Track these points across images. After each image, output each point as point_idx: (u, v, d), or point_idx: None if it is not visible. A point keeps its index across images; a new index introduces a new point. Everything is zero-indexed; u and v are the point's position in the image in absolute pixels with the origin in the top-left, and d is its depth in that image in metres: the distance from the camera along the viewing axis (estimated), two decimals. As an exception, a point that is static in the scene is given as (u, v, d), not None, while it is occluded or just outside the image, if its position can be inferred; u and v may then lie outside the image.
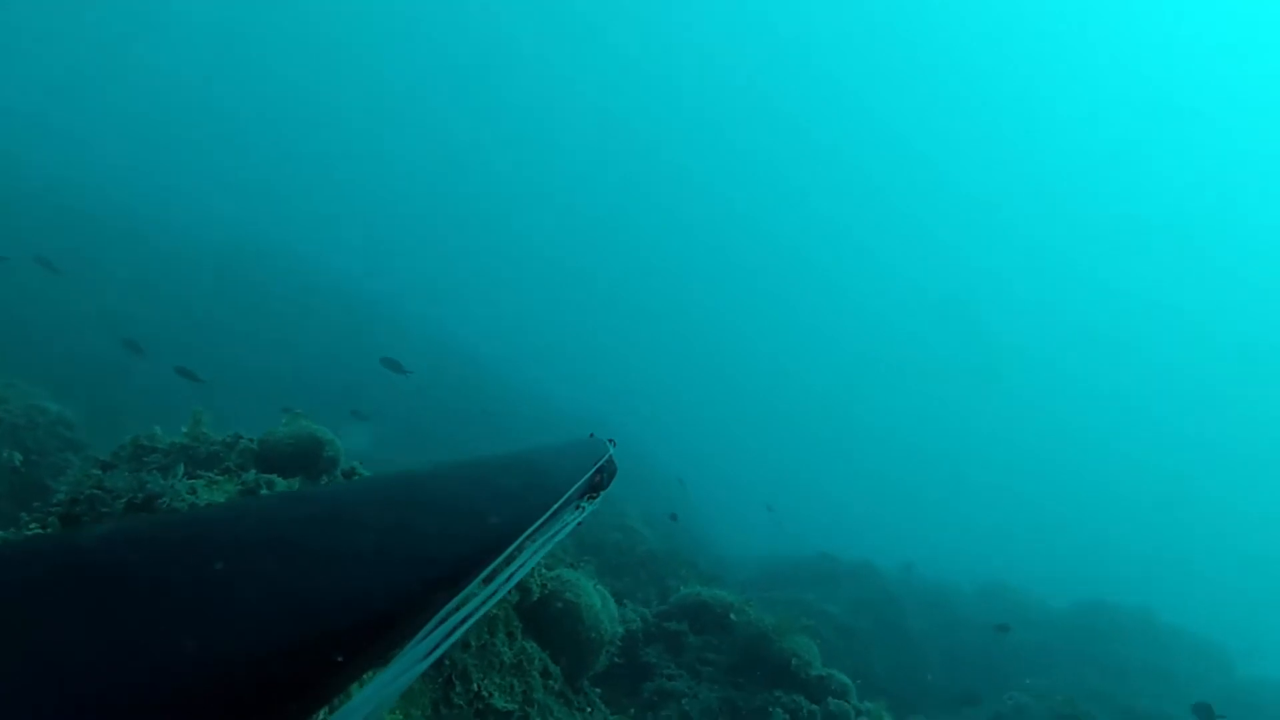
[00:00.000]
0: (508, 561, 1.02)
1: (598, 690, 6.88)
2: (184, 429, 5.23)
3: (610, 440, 2.21)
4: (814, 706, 7.61)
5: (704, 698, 7.80)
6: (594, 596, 6.92)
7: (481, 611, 0.93)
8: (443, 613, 0.80)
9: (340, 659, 0.60)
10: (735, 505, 43.08)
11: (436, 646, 0.80)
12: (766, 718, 7.32)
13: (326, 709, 0.61)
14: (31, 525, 3.75)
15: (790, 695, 7.70)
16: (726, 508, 41.86)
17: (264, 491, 4.55)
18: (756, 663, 8.17)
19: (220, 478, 4.60)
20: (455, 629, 0.84)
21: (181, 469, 4.62)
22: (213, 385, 15.01)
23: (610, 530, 17.05)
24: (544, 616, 6.39)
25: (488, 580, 0.95)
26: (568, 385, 46.54)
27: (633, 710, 7.30)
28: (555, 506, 1.27)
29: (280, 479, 4.77)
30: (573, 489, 1.44)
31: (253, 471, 4.73)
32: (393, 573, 0.76)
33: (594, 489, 1.66)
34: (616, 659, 8.05)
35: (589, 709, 6.25)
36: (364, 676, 0.64)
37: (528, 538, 1.10)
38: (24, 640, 0.45)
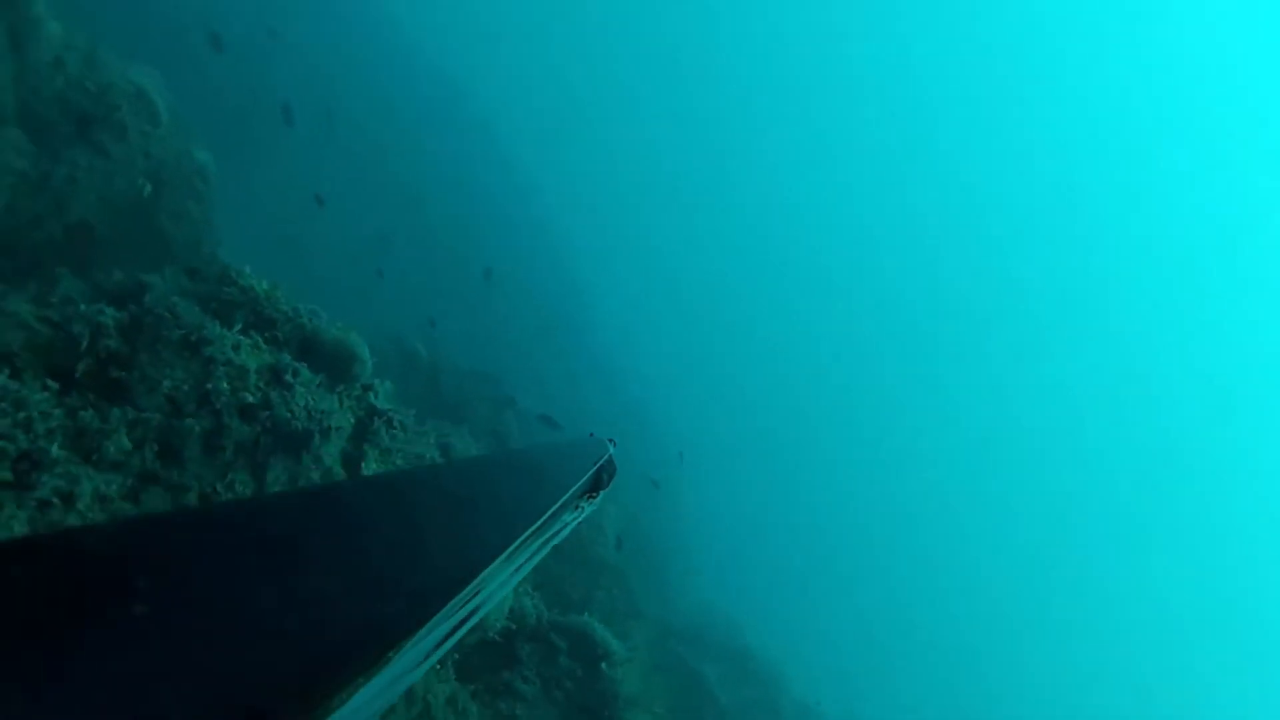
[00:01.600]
0: (508, 561, 1.04)
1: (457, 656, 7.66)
2: (265, 283, 6.12)
3: (610, 440, 2.23)
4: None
5: (543, 715, 8.50)
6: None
7: (483, 612, 0.97)
8: (442, 613, 0.81)
9: (337, 663, 0.62)
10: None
11: (438, 647, 0.84)
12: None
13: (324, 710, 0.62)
14: (103, 315, 4.63)
15: (604, 760, 8.33)
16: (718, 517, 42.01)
17: (288, 377, 5.40)
18: (596, 716, 8.81)
19: (264, 346, 5.46)
20: (455, 630, 0.88)
21: (240, 322, 5.51)
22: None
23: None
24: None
25: (487, 580, 0.96)
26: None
27: (473, 688, 8.06)
28: (554, 508, 1.29)
29: (306, 371, 5.61)
30: (572, 490, 1.46)
31: (288, 355, 5.58)
32: (390, 574, 0.78)
33: (593, 489, 1.67)
34: (497, 639, 8.84)
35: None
36: (359, 681, 0.64)
37: (528, 538, 1.12)
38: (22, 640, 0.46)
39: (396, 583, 0.78)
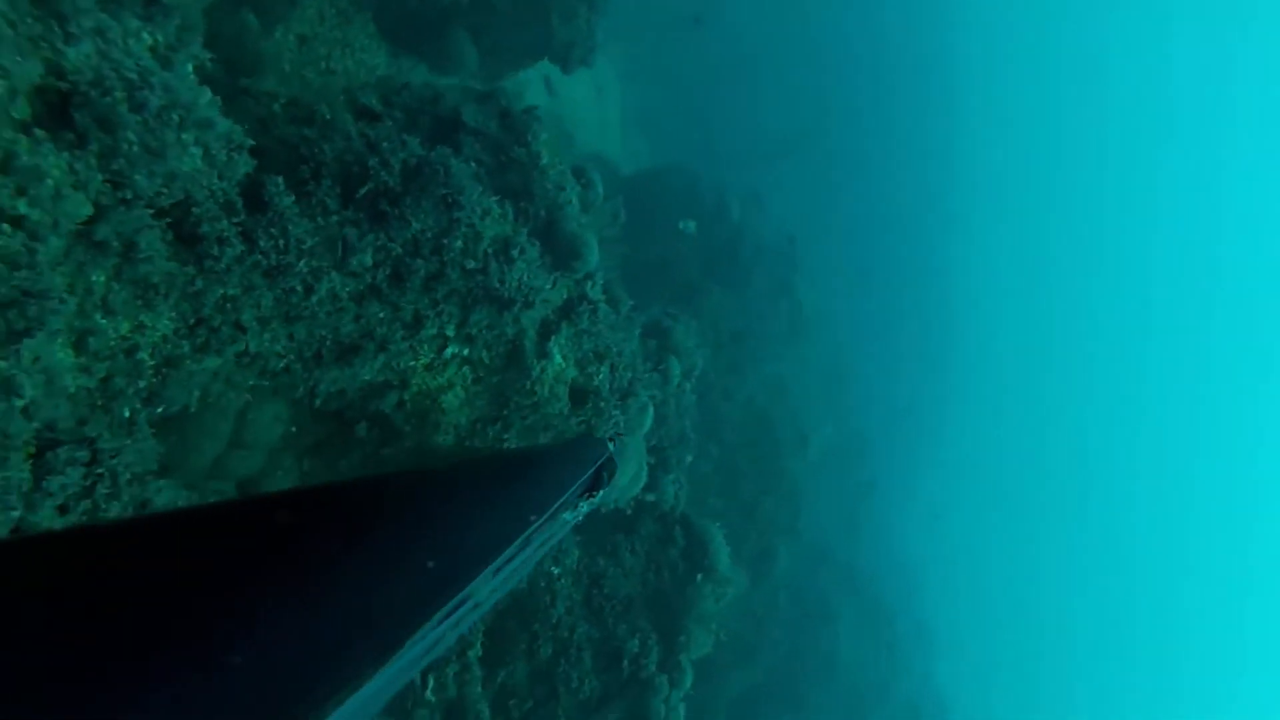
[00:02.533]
0: (509, 560, 1.06)
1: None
2: (548, 156, 6.96)
3: (610, 439, 2.27)
4: (650, 664, 9.29)
5: (626, 587, 9.67)
6: (631, 464, 8.60)
7: (486, 607, 1.00)
8: (447, 608, 0.85)
9: (352, 654, 0.66)
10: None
11: (442, 638, 0.89)
12: (624, 641, 9.13)
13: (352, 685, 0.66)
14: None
15: (654, 649, 9.38)
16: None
17: (514, 253, 6.31)
18: (666, 611, 9.81)
19: (510, 219, 6.39)
20: (460, 622, 0.92)
21: (506, 189, 6.44)
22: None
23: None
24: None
25: (488, 579, 0.98)
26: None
27: (582, 538, 9.31)
28: (554, 508, 1.30)
29: (534, 251, 6.51)
30: (571, 490, 1.47)
31: (526, 231, 6.49)
32: (396, 573, 0.81)
33: (593, 488, 1.68)
34: (627, 511, 9.97)
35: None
36: (362, 680, 0.67)
37: (527, 538, 1.14)
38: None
39: (398, 581, 0.79)
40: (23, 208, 2.82)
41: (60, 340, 3.57)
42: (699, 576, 10.00)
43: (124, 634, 0.49)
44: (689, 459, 11.57)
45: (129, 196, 3.34)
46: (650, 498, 10.17)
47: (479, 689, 7.13)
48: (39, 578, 0.50)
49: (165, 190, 3.55)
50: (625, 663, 9.05)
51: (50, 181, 2.92)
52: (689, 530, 10.54)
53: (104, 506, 2.98)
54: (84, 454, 2.99)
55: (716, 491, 16.34)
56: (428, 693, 6.41)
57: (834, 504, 22.85)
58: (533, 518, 1.19)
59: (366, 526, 0.81)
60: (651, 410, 9.43)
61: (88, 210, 3.17)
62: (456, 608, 0.87)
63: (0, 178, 2.76)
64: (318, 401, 6.24)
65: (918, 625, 29.68)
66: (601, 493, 1.73)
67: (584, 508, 1.61)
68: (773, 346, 19.45)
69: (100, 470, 3.04)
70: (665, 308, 10.77)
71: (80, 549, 0.54)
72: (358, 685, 0.65)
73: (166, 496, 3.61)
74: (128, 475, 3.19)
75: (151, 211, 3.65)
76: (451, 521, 0.99)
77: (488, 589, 1.00)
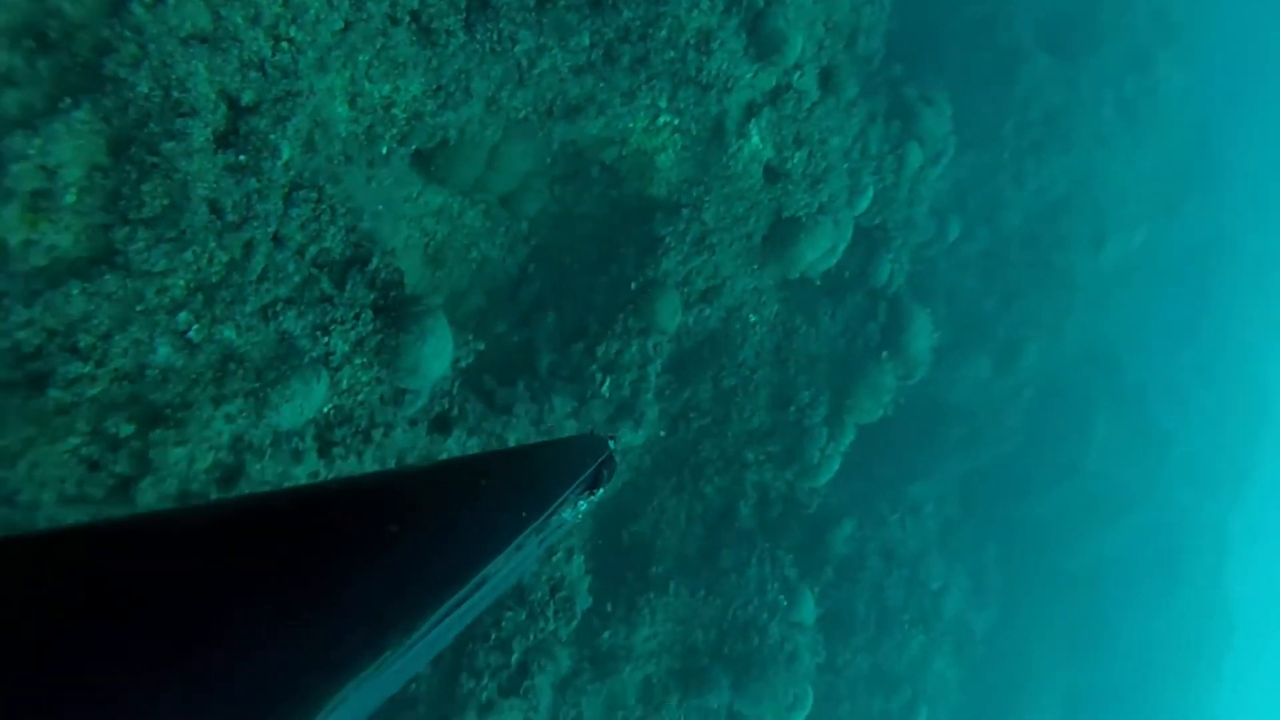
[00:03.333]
0: (506, 559, 1.09)
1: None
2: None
3: (610, 437, 2.19)
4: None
5: (815, 347, 10.85)
6: (825, 241, 9.42)
7: (482, 607, 1.04)
8: (443, 610, 0.87)
9: (344, 668, 0.67)
10: None
11: (436, 642, 0.92)
12: (798, 391, 10.53)
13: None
14: None
15: (823, 405, 10.70)
16: None
17: (714, 44, 7.01)
18: (852, 372, 10.92)
19: (715, 13, 7.02)
20: (454, 626, 0.95)
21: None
22: None
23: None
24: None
25: (484, 580, 1.01)
26: None
27: (780, 307, 10.47)
28: (552, 508, 1.33)
29: (735, 43, 7.14)
30: (569, 490, 1.49)
31: (733, 26, 7.10)
32: (391, 573, 0.82)
33: (593, 486, 1.69)
34: (815, 281, 10.79)
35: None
36: (349, 686, 0.70)
37: (524, 539, 1.17)
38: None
39: (398, 581, 0.82)
40: (292, 32, 4.42)
41: (339, 99, 5.39)
42: (885, 353, 10.86)
43: (123, 635, 0.52)
44: (918, 242, 11.88)
45: (365, 16, 4.83)
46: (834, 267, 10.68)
47: (650, 395, 9.03)
48: (42, 577, 0.52)
49: (394, 8, 5.01)
50: (793, 409, 10.53)
51: (312, 11, 4.47)
52: (894, 309, 11.23)
53: (325, 229, 4.86)
54: (314, 194, 4.81)
55: (977, 275, 16.13)
56: (603, 389, 8.40)
57: (1128, 317, 21.00)
58: (531, 518, 1.23)
59: (361, 529, 0.83)
60: (870, 193, 9.93)
61: (340, 25, 4.73)
62: (448, 613, 0.90)
63: (282, 10, 4.36)
64: (554, 146, 7.83)
65: (1236, 471, 27.30)
66: (602, 490, 1.72)
67: (584, 506, 1.62)
68: (1098, 129, 17.37)
69: (324, 205, 4.87)
70: (924, 89, 10.48)
71: (84, 548, 0.56)
72: (343, 698, 0.69)
73: (375, 224, 5.47)
74: (343, 209, 5.01)
75: (390, 19, 5.16)
76: (448, 523, 1.02)
77: (479, 594, 1.03)
